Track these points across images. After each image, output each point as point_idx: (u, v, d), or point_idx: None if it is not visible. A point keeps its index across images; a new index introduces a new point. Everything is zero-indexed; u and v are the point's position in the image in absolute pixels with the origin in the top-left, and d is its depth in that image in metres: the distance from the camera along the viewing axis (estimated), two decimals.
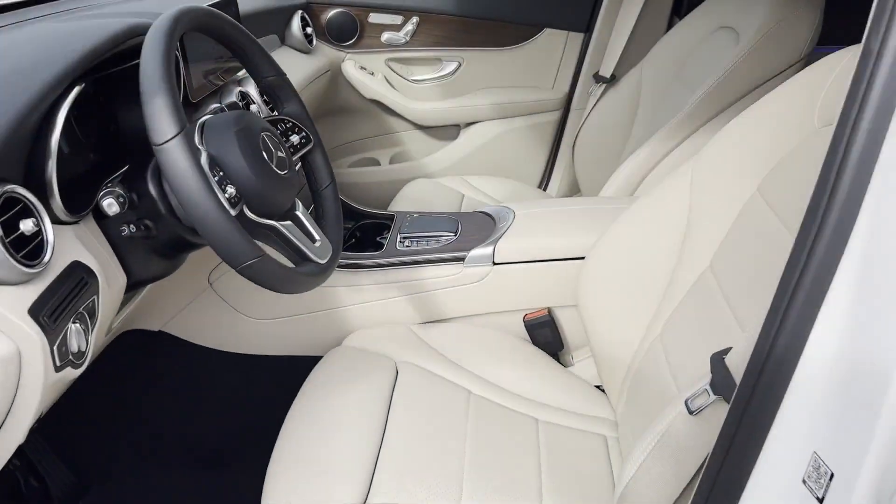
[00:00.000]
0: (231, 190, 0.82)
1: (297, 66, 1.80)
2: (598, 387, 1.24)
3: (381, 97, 2.05)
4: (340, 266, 1.26)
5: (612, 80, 1.86)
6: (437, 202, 1.83)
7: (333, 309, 1.29)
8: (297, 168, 1.15)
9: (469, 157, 2.13)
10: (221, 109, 1.10)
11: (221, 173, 0.83)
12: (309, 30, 1.89)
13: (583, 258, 1.21)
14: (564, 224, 1.29)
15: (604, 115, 1.86)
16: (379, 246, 1.38)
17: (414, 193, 1.88)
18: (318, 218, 1.06)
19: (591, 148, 1.88)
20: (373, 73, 2.06)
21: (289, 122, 1.03)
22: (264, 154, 0.88)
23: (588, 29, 1.98)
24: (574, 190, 2.08)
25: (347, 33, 2.00)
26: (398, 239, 1.32)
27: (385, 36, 2.01)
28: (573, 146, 1.94)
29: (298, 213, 0.96)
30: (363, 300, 1.28)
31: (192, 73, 1.13)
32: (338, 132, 2.22)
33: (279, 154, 0.92)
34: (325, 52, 1.99)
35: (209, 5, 1.21)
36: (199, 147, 0.83)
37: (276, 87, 1.03)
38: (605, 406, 1.19)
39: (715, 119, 1.38)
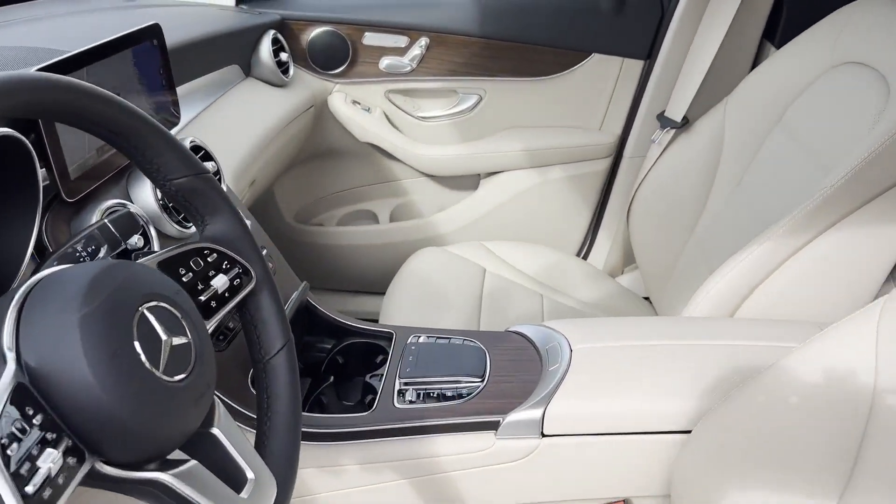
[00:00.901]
0: (53, 465, 0.41)
1: (267, 105, 1.40)
2: None
3: (378, 140, 1.65)
4: (307, 437, 0.85)
5: (685, 125, 1.45)
6: (450, 283, 1.43)
7: (297, 499, 0.88)
8: (229, 325, 0.74)
9: (491, 216, 1.72)
10: (114, 243, 0.68)
11: (40, 416, 0.43)
12: (284, 56, 1.48)
13: (684, 432, 0.82)
14: (650, 373, 0.88)
15: (672, 170, 1.45)
16: (367, 391, 0.98)
17: (421, 269, 1.47)
18: (259, 407, 0.66)
19: (655, 213, 1.47)
20: (368, 109, 1.65)
21: (212, 251, 0.63)
22: (140, 351, 0.48)
23: (650, 55, 1.57)
24: (628, 261, 1.67)
25: (336, 58, 1.60)
26: (397, 386, 0.91)
27: (385, 62, 1.61)
28: (629, 208, 1.53)
29: (216, 432, 0.56)
30: (343, 486, 0.87)
31: (73, 147, 0.73)
32: (324, 180, 1.81)
33: (175, 341, 0.51)
34: (307, 83, 1.59)
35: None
36: (7, 353, 0.44)
37: (190, 194, 0.63)
38: None
39: (863, 209, 0.96)
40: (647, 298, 1.61)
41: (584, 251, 1.75)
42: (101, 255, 0.70)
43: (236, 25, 1.35)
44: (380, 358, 1.02)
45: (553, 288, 1.52)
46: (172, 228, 0.83)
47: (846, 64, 1.17)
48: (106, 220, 0.69)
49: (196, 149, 0.96)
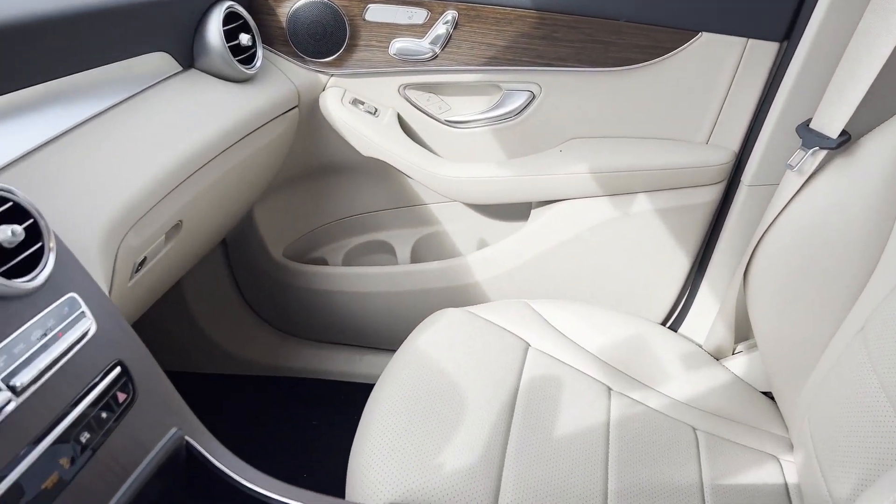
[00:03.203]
0: None
1: (215, 106, 1.01)
2: None
3: (389, 155, 1.23)
4: None
5: (844, 143, 0.97)
6: (472, 364, 1.01)
7: None
8: None
9: (543, 261, 1.28)
10: None
11: None
12: (246, 38, 1.09)
13: None
14: None
15: (822, 211, 0.98)
16: None
17: (434, 342, 1.06)
18: None
19: (791, 274, 1.00)
20: (375, 112, 1.24)
21: None
22: None
23: (789, 35, 1.09)
24: (741, 335, 1.20)
25: (329, 41, 1.19)
26: None
27: (397, 45, 1.19)
28: (749, 262, 1.07)
29: None
30: None
31: None
32: (323, 204, 1.42)
33: None
34: (287, 75, 1.19)
35: None
36: None
37: None
38: None
39: None
40: (768, 394, 1.14)
41: (676, 319, 1.29)
42: None
43: None
44: None
45: (629, 376, 1.08)
46: None
47: None
48: None
49: None
